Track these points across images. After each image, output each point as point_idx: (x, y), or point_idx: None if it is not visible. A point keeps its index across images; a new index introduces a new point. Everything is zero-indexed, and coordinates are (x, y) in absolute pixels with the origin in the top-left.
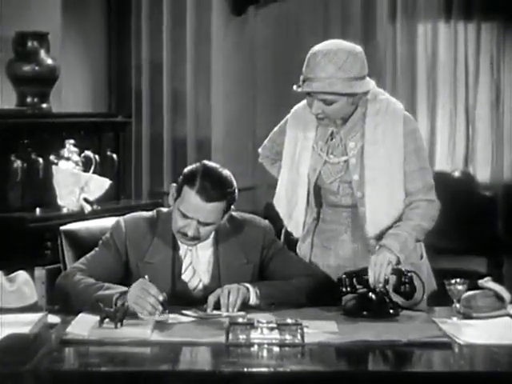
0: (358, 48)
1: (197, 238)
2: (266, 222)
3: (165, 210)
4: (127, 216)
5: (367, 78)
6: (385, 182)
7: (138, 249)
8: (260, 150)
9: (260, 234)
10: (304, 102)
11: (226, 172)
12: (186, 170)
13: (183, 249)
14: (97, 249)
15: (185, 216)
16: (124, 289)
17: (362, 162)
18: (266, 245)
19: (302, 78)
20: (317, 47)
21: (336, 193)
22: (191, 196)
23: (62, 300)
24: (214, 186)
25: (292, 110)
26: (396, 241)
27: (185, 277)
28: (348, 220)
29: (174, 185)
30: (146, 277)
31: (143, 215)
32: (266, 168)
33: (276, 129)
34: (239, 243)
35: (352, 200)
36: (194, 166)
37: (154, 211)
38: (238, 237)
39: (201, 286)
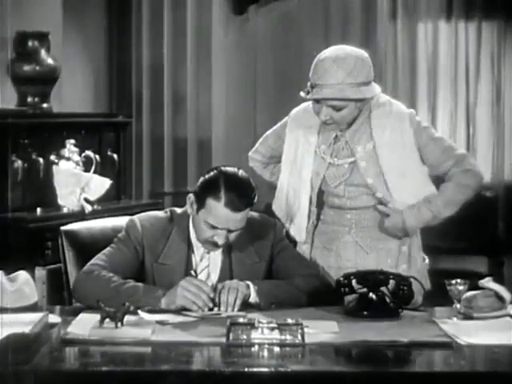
0: (365, 53)
1: (226, 244)
2: (276, 220)
3: (179, 210)
4: (142, 215)
5: (373, 83)
6: (407, 182)
7: (153, 249)
8: (251, 154)
9: (270, 232)
10: (303, 105)
11: (245, 175)
12: (204, 179)
13: (199, 252)
14: (113, 245)
15: (214, 227)
16: (159, 289)
17: (375, 165)
18: (275, 242)
19: (309, 84)
20: (324, 53)
21: (341, 196)
22: (219, 209)
23: (86, 299)
24: (240, 196)
25: (291, 114)
26: (414, 217)
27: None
28: (352, 221)
29: (192, 195)
30: (192, 272)
31: (158, 215)
32: (257, 172)
33: (270, 133)
34: (251, 242)
35: (359, 202)
36: (212, 174)
37: (168, 211)
38: (249, 236)
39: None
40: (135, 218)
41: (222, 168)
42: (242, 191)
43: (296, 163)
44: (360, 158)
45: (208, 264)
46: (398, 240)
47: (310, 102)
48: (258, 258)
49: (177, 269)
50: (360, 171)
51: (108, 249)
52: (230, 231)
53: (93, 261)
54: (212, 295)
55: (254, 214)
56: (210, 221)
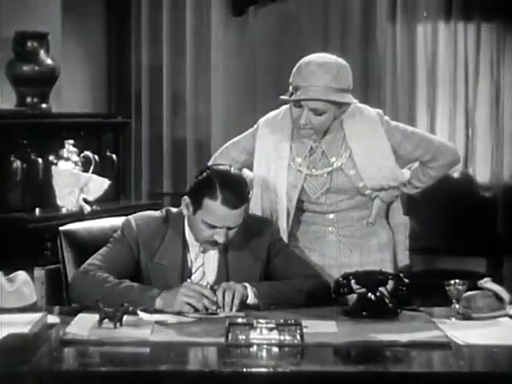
0: (345, 62)
1: (226, 241)
2: (273, 220)
3: (174, 209)
4: (137, 215)
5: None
6: (387, 183)
7: (148, 249)
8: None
9: (267, 233)
10: (270, 115)
11: (237, 172)
12: (198, 180)
13: (194, 251)
14: (109, 245)
15: (214, 227)
16: (154, 289)
17: (355, 171)
18: (272, 242)
19: (292, 87)
20: (309, 58)
21: (323, 204)
22: (217, 207)
23: (82, 298)
24: (235, 193)
25: (259, 126)
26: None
27: (194, 278)
28: (334, 221)
29: (187, 198)
30: (189, 280)
31: (154, 215)
32: None
33: (232, 145)
34: (247, 243)
35: (339, 206)
36: (205, 175)
37: (164, 211)
38: (245, 237)
39: (209, 287)
40: (131, 217)
41: (214, 167)
42: (237, 188)
43: (269, 179)
44: (336, 166)
45: (203, 263)
46: (380, 237)
47: (278, 113)
48: (254, 259)
49: (172, 268)
50: (341, 179)
51: (104, 248)
52: (229, 228)
53: (89, 260)
54: (214, 299)
55: (250, 214)
56: (208, 220)
